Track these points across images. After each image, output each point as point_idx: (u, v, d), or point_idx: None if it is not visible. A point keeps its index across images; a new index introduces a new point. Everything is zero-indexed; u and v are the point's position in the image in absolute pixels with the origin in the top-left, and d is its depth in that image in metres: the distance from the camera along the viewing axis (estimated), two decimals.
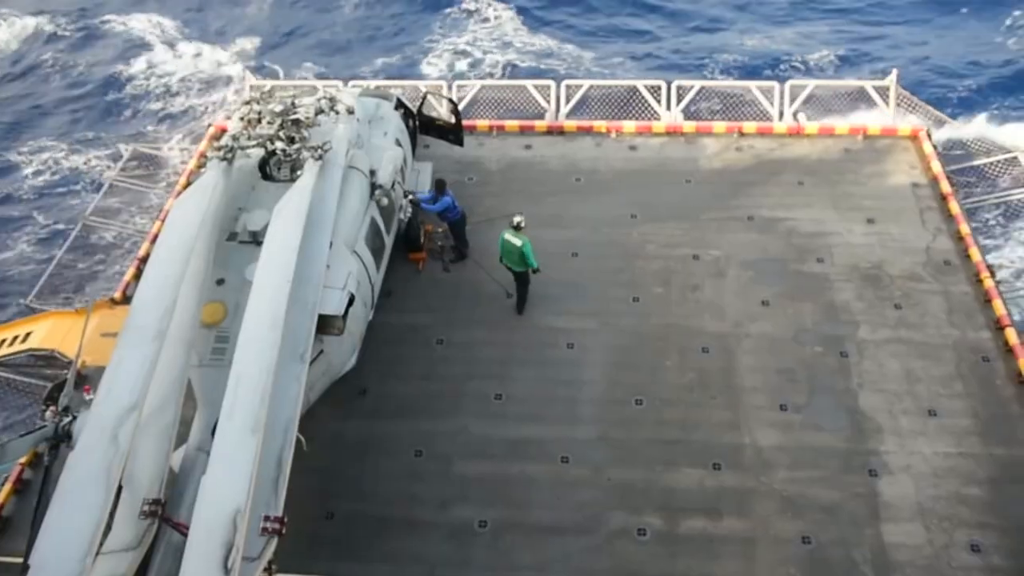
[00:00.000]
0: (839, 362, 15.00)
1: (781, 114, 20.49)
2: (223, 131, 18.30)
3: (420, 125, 18.77)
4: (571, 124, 20.86)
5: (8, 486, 13.77)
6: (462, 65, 32.02)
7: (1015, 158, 19.28)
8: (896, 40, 32.41)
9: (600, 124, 20.81)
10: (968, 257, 16.66)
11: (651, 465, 13.60)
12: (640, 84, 21.43)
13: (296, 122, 13.91)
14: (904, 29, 33.02)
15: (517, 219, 15.28)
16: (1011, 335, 15.01)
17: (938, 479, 13.18)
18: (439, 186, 16.69)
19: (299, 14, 36.72)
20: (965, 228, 17.18)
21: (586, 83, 21.75)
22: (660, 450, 13.81)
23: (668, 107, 20.87)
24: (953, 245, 17.02)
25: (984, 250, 17.16)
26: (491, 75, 30.69)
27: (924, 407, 14.19)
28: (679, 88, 21.01)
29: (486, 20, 34.70)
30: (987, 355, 14.95)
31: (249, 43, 34.63)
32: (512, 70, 31.58)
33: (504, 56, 32.58)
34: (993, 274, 16.20)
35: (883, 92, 20.61)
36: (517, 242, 15.27)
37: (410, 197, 16.78)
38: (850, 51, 31.65)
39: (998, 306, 15.57)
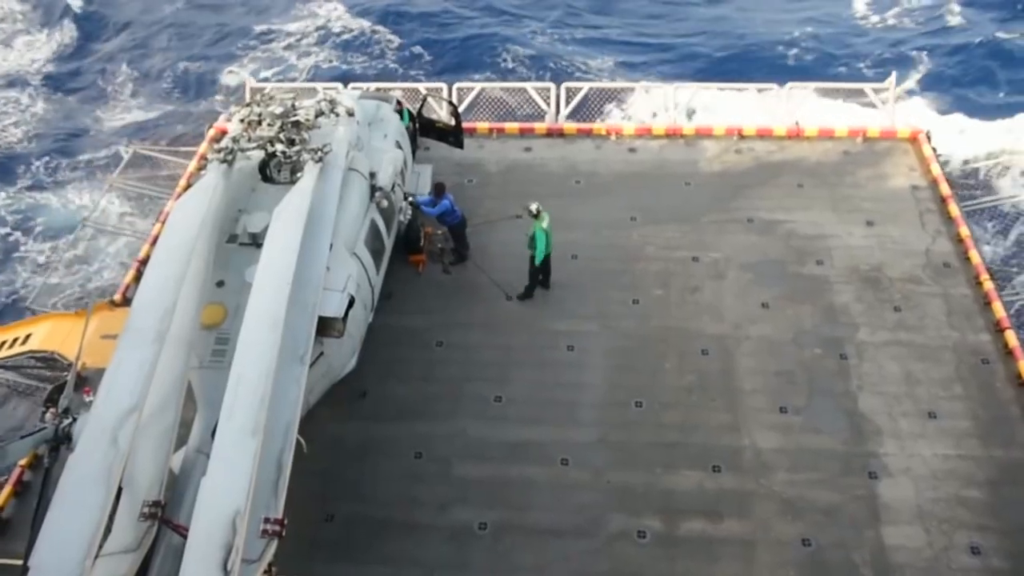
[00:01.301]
0: (839, 364, 15.01)
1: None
2: (223, 133, 18.32)
3: (420, 127, 18.78)
4: (571, 126, 20.88)
5: (8, 488, 13.78)
6: (267, 72, 32.50)
7: (1014, 160, 19.30)
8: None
9: (600, 126, 20.83)
10: (968, 259, 16.67)
11: (651, 467, 13.61)
12: (639, 86, 21.45)
13: (296, 124, 13.93)
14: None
15: (535, 206, 15.54)
16: (1011, 337, 15.01)
17: (938, 481, 13.19)
18: (438, 189, 16.69)
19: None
20: (965, 230, 17.19)
21: (586, 85, 21.77)
22: (660, 452, 13.81)
23: (667, 108, 20.92)
24: (953, 247, 17.03)
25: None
26: (293, 79, 31.20)
27: (924, 409, 14.19)
28: (678, 89, 21.04)
29: (309, 21, 35.29)
30: (987, 357, 14.95)
31: (56, 44, 35.06)
32: (318, 71, 32.27)
33: (314, 59, 33.17)
34: (993, 276, 16.19)
35: (882, 94, 20.64)
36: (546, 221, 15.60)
37: (410, 200, 16.79)
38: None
39: (998, 308, 15.57)
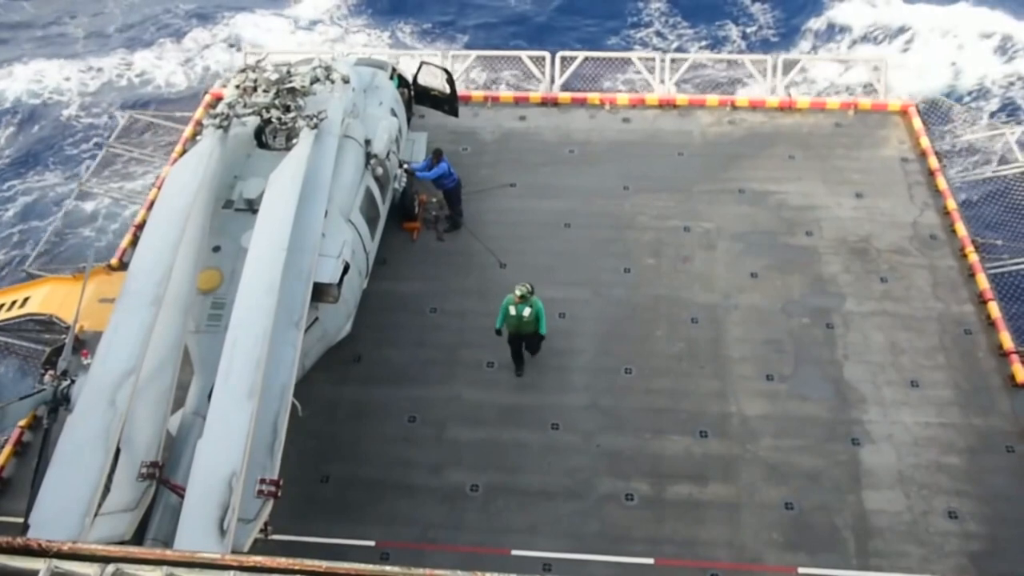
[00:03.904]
0: (825, 334, 15.24)
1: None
2: (219, 99, 18.31)
3: (415, 95, 18.79)
4: (565, 95, 20.88)
5: (8, 448, 13.99)
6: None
7: (1002, 135, 19.41)
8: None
9: (594, 96, 20.85)
10: (954, 232, 16.86)
11: (640, 432, 13.88)
12: (634, 56, 21.44)
13: (292, 90, 13.99)
14: None
15: (529, 286, 13.99)
16: (993, 309, 15.26)
17: (919, 448, 13.50)
18: (436, 155, 16.76)
19: None
20: (952, 203, 17.35)
21: (581, 55, 21.74)
22: (649, 418, 14.08)
23: (662, 80, 20.92)
24: (939, 220, 17.20)
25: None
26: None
27: (907, 378, 14.46)
28: (673, 60, 21.04)
29: None
30: (970, 328, 15.20)
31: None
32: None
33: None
34: (978, 248, 16.40)
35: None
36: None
37: (405, 167, 16.88)
38: None
39: (981, 280, 15.80)
